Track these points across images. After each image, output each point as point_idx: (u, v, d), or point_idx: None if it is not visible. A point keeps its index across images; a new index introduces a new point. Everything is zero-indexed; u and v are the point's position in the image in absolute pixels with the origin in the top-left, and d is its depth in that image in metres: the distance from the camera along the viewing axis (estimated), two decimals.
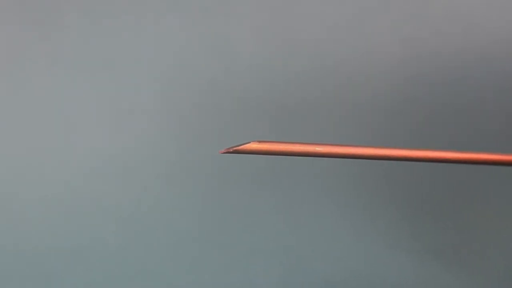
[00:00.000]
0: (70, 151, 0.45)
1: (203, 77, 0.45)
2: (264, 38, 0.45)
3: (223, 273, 0.46)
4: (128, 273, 0.46)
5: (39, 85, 0.45)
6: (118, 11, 0.45)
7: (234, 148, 0.23)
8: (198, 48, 0.45)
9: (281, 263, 0.46)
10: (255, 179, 0.46)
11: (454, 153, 0.29)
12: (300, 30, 0.45)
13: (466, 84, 0.45)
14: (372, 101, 0.45)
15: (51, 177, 0.46)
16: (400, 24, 0.45)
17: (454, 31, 0.44)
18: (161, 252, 0.46)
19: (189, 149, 0.46)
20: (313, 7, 0.45)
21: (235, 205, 0.46)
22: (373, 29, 0.45)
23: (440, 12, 0.45)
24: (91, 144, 0.45)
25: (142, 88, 0.45)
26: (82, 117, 0.45)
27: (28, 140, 0.45)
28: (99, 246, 0.46)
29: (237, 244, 0.46)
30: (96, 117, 0.45)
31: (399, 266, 0.46)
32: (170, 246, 0.46)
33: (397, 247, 0.46)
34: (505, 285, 0.46)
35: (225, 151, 0.23)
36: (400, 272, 0.46)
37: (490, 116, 0.45)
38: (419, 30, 0.44)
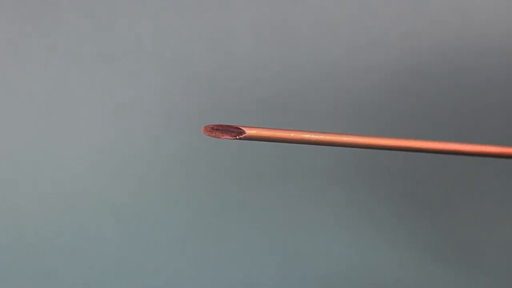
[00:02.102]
0: (68, 147, 0.45)
1: (201, 73, 0.45)
2: (263, 34, 0.45)
3: (221, 270, 0.46)
4: (126, 270, 0.46)
5: (36, 80, 0.45)
6: (116, 6, 0.45)
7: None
8: (195, 43, 0.45)
9: (279, 260, 0.46)
10: (253, 176, 0.46)
11: (453, 144, 0.28)
12: (298, 24, 0.45)
13: (465, 78, 0.45)
14: (371, 95, 0.45)
15: (48, 174, 0.46)
16: (399, 18, 0.45)
17: (453, 25, 0.44)
18: (159, 249, 0.46)
19: (187, 146, 0.46)
20: (312, 5, 0.45)
21: (233, 202, 0.46)
22: (372, 23, 0.45)
23: (439, 6, 0.45)
24: (88, 140, 0.45)
25: (140, 84, 0.45)
26: (80, 113, 0.45)
27: (25, 136, 0.45)
28: (97, 243, 0.46)
29: (235, 240, 0.46)
30: (94, 113, 0.45)
31: (398, 263, 0.46)
32: (167, 243, 0.46)
33: (396, 244, 0.46)
34: (504, 282, 0.46)
35: (210, 135, 0.22)
36: (398, 269, 0.46)
37: (490, 109, 0.45)
38: (418, 24, 0.45)
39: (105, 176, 0.46)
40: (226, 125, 0.22)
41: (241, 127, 0.22)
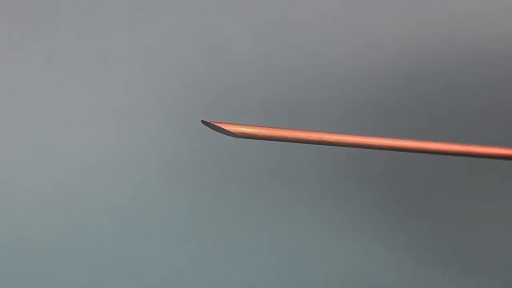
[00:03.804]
0: (67, 149, 0.46)
1: (200, 76, 0.45)
2: (261, 37, 0.45)
3: (220, 272, 0.46)
4: (126, 271, 0.46)
5: (36, 83, 0.45)
6: (115, 8, 0.45)
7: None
8: (194, 46, 0.45)
9: (277, 262, 0.46)
10: (252, 177, 0.46)
11: (452, 145, 0.28)
12: (296, 27, 0.45)
13: (462, 82, 0.45)
14: (369, 99, 0.45)
15: (48, 176, 0.46)
16: (397, 22, 0.45)
17: (451, 29, 0.45)
18: (158, 251, 0.46)
19: (185, 147, 0.46)
20: (310, 6, 0.45)
21: (231, 203, 0.46)
22: (371, 28, 0.45)
23: (436, 11, 0.45)
24: (88, 142, 0.46)
25: (139, 86, 0.45)
26: (79, 115, 0.45)
27: (24, 138, 0.45)
28: (96, 245, 0.46)
29: (234, 242, 0.46)
30: (93, 115, 0.45)
31: (396, 264, 0.46)
32: (167, 244, 0.46)
33: (394, 246, 0.46)
34: (502, 283, 0.46)
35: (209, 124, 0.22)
36: (397, 270, 0.46)
37: (488, 114, 0.45)
38: (415, 29, 0.45)
39: (104, 178, 0.46)
40: (214, 125, 0.22)
41: (229, 129, 0.22)
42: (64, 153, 0.45)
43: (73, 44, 0.45)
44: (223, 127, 0.22)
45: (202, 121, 0.23)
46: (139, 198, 0.46)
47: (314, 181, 0.46)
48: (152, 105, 0.45)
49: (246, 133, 0.22)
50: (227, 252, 0.46)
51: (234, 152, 0.45)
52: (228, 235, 0.46)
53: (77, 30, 0.45)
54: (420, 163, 0.45)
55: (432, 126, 0.45)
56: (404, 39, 0.44)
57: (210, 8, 0.45)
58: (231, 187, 0.46)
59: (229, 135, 0.22)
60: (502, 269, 0.46)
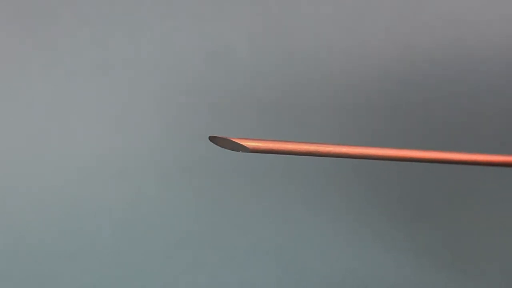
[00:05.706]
0: (67, 153, 0.46)
1: (199, 80, 0.45)
2: (260, 43, 0.45)
3: (219, 274, 0.46)
4: (124, 275, 0.46)
5: (36, 88, 0.45)
6: (115, 17, 0.45)
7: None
8: (194, 52, 0.45)
9: (277, 264, 0.46)
10: (251, 179, 0.46)
11: (452, 154, 0.28)
12: (295, 33, 0.45)
13: (460, 87, 0.45)
14: (368, 104, 0.45)
15: (47, 180, 0.46)
16: (395, 27, 0.45)
17: (448, 34, 0.45)
18: (157, 254, 0.46)
19: (184, 151, 0.46)
20: (308, 12, 0.45)
21: (231, 205, 0.46)
22: (369, 34, 0.45)
23: (434, 16, 0.45)
24: (88, 146, 0.46)
25: (139, 91, 0.45)
26: (79, 120, 0.46)
27: (24, 142, 0.46)
28: (95, 248, 0.46)
29: (233, 244, 0.46)
30: (93, 120, 0.46)
31: (396, 266, 0.46)
32: (166, 247, 0.46)
33: (394, 248, 0.46)
34: (501, 285, 0.46)
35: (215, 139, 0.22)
36: (396, 272, 0.46)
37: (486, 118, 0.45)
38: (413, 34, 0.45)
39: (104, 181, 0.46)
40: (230, 140, 0.22)
41: (244, 144, 0.22)
42: (64, 156, 0.46)
43: (73, 50, 0.45)
44: (232, 140, 0.22)
45: (210, 138, 0.24)
46: (139, 201, 0.46)
47: (313, 183, 0.46)
48: (151, 110, 0.45)
49: (255, 148, 0.22)
50: (226, 255, 0.46)
51: (234, 155, 0.44)
52: (228, 239, 0.46)
53: (77, 36, 0.45)
54: (419, 166, 0.45)
55: (430, 132, 0.45)
56: (403, 44, 0.45)
57: (210, 14, 0.45)
58: (231, 190, 0.46)
59: (238, 150, 0.23)
60: (501, 271, 0.46)
